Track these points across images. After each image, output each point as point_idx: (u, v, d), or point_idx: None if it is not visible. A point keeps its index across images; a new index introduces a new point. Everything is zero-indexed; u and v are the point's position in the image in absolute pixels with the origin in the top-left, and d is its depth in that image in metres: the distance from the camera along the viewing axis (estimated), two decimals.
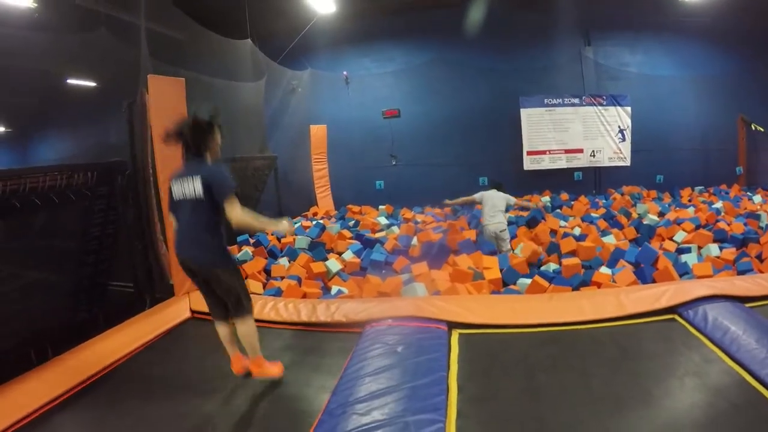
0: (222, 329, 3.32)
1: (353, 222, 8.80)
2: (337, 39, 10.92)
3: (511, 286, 5.25)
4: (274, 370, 3.31)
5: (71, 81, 6.80)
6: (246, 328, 3.21)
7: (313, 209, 10.59)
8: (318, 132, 11.04)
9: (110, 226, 5.06)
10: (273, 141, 10.24)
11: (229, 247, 3.24)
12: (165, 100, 5.16)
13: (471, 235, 6.89)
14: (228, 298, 3.17)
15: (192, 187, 2.93)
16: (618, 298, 4.08)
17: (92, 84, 6.95)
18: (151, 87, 5.09)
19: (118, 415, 3.11)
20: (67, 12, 5.89)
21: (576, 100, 10.84)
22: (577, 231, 6.96)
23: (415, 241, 6.99)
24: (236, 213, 2.89)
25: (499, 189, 6.72)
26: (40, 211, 4.36)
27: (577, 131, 10.91)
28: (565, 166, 11.04)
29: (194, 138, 2.98)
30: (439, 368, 3.14)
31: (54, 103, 6.31)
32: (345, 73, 11.43)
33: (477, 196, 6.75)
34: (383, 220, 8.75)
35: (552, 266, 5.70)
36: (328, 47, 11.19)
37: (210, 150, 3.05)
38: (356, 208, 10.46)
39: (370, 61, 11.66)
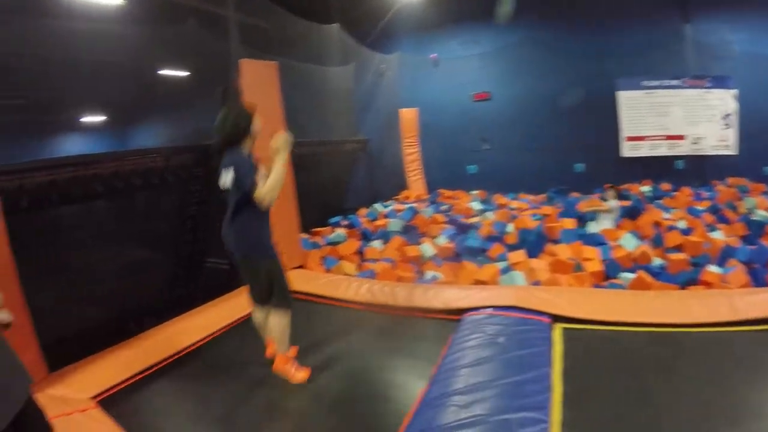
0: (255, 314, 3.42)
1: (446, 206, 8.73)
2: (423, 22, 10.77)
3: (613, 280, 4.99)
4: (297, 375, 3.27)
5: (165, 71, 7.15)
6: (276, 321, 3.24)
7: (404, 193, 10.59)
8: (408, 115, 11.05)
9: (205, 205, 5.37)
10: (364, 124, 10.39)
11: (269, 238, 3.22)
12: (258, 82, 5.38)
13: (569, 224, 6.64)
14: (261, 286, 3.22)
15: (226, 177, 3.04)
16: (731, 301, 3.67)
17: (185, 73, 7.30)
18: (244, 71, 5.28)
19: (212, 388, 3.28)
20: (154, 5, 6.18)
21: (676, 82, 9.98)
22: (682, 224, 6.47)
23: (511, 227, 6.81)
24: (265, 199, 2.91)
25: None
26: (141, 192, 4.70)
27: (678, 116, 10.03)
28: (666, 154, 10.21)
29: (231, 129, 3.07)
30: (542, 364, 3.02)
31: (151, 92, 6.70)
32: (434, 55, 11.29)
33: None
34: (477, 206, 8.61)
35: (657, 261, 5.35)
36: (414, 30, 11.08)
37: (246, 141, 3.12)
38: (448, 193, 10.33)
39: (458, 43, 11.32)
